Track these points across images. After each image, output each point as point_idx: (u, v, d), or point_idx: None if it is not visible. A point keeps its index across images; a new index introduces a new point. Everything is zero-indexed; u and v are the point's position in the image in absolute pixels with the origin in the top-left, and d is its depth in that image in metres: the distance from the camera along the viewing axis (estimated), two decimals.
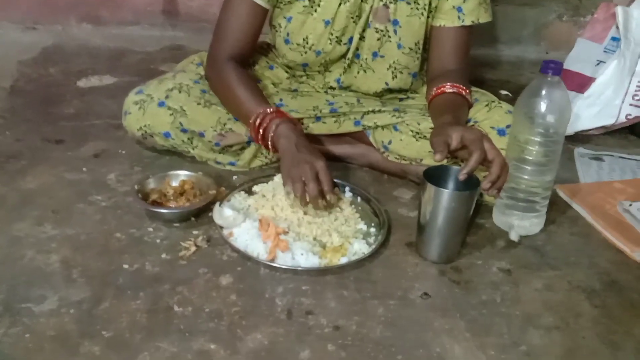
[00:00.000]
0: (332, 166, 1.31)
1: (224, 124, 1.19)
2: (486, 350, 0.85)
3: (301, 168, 1.01)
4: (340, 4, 1.18)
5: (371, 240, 1.05)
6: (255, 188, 1.16)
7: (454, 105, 1.14)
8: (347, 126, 1.26)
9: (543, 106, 1.05)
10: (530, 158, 1.07)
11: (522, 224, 1.12)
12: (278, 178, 1.17)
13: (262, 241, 0.99)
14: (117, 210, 1.09)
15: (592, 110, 1.51)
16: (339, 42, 1.21)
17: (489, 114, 1.16)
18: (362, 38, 1.22)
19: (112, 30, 2.09)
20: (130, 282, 0.92)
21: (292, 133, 1.07)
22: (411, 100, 1.32)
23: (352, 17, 1.19)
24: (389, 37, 1.21)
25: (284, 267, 0.96)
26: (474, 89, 1.28)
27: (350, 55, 1.23)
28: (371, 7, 1.19)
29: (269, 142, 1.09)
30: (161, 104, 1.18)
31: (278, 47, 1.28)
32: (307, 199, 1.01)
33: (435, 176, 1.01)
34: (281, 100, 1.28)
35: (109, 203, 1.11)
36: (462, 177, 0.95)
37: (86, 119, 1.46)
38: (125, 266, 0.95)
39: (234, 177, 1.23)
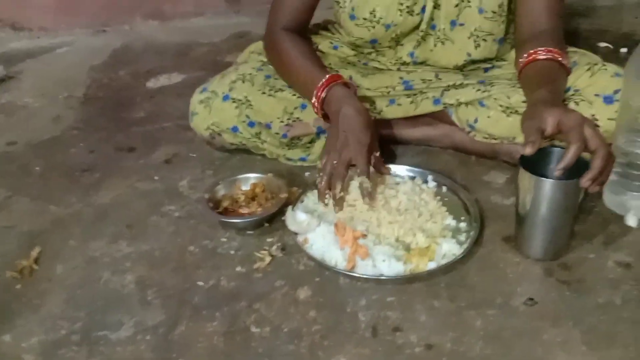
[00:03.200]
0: (410, 151, 1.22)
1: (291, 113, 1.12)
2: None
3: (333, 156, 0.97)
4: None
5: (462, 237, 0.94)
6: None
7: (550, 76, 0.98)
8: (426, 106, 1.14)
9: None
10: None
11: None
12: (352, 171, 1.08)
13: (339, 247, 0.91)
14: (190, 220, 1.05)
15: None
16: (410, 12, 1.09)
17: (592, 80, 1.00)
18: (437, 6, 1.09)
19: (177, 24, 2.08)
20: (206, 301, 0.87)
21: (343, 100, 0.99)
22: (498, 70, 1.17)
23: None
24: (469, 1, 1.07)
25: (365, 276, 0.87)
26: (571, 49, 1.11)
27: (424, 26, 1.11)
28: None
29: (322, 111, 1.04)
30: (226, 98, 1.12)
31: (343, 24, 1.17)
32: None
33: (534, 159, 0.87)
34: (350, 78, 1.18)
35: (182, 213, 1.07)
36: (557, 172, 0.81)
37: (156, 121, 1.43)
38: (200, 283, 0.90)
39: (307, 174, 1.16)
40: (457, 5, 1.08)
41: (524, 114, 0.90)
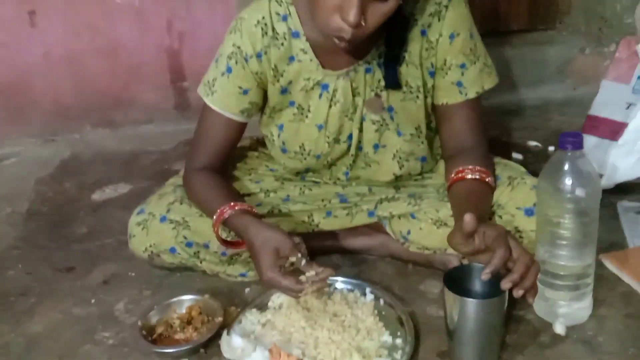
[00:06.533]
0: (349, 260, 1.24)
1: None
2: None
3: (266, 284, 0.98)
4: (330, 107, 1.11)
5: (397, 355, 0.94)
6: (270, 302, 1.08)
7: (476, 196, 1.03)
8: (361, 218, 1.18)
9: (569, 181, 0.93)
10: (564, 242, 0.95)
11: (568, 311, 0.99)
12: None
13: None
14: (124, 348, 1.02)
15: (630, 160, 1.37)
16: (337, 141, 1.15)
17: (512, 194, 1.06)
18: (360, 130, 1.15)
19: (127, 132, 2.07)
20: None
21: (241, 229, 1.02)
22: (428, 180, 1.23)
23: (347, 115, 1.12)
24: (387, 124, 1.13)
25: None
26: (494, 159, 1.18)
27: (352, 151, 1.16)
28: (364, 99, 1.11)
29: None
30: (163, 219, 1.13)
31: (275, 156, 1.23)
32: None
33: (459, 277, 0.91)
34: (288, 195, 1.22)
35: (116, 340, 1.05)
36: (485, 276, 0.84)
37: (97, 238, 1.42)
38: None
39: (247, 290, 1.16)
40: (377, 130, 1.13)
41: (450, 234, 0.94)
